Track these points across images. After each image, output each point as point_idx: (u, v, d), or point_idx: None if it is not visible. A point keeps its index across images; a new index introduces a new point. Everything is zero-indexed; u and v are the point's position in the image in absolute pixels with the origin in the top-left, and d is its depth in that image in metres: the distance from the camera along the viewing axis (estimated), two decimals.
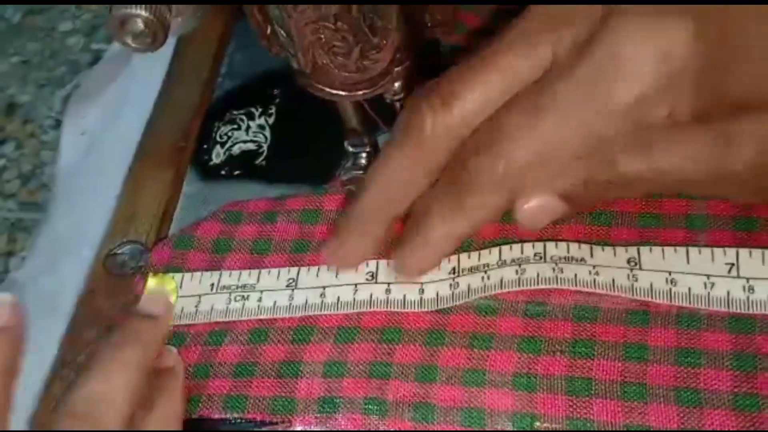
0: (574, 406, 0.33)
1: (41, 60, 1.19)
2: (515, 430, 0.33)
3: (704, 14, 0.27)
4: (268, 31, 0.34)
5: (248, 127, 0.49)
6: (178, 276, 0.42)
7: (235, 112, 0.50)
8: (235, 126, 0.49)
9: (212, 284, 0.41)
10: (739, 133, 0.27)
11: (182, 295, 0.41)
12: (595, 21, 0.28)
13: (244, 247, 0.42)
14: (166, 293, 0.40)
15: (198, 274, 0.42)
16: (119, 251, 0.45)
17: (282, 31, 0.33)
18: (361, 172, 0.40)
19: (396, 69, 0.34)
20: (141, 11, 0.27)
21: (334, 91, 0.35)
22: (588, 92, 0.28)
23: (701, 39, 0.27)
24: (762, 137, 0.27)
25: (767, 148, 0.27)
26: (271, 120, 0.49)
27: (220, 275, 0.41)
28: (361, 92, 0.35)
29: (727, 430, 0.31)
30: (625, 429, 0.32)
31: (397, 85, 0.36)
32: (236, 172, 0.47)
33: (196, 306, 0.40)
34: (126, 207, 0.47)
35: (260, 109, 0.49)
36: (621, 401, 0.33)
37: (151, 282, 0.41)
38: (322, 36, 0.32)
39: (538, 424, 0.33)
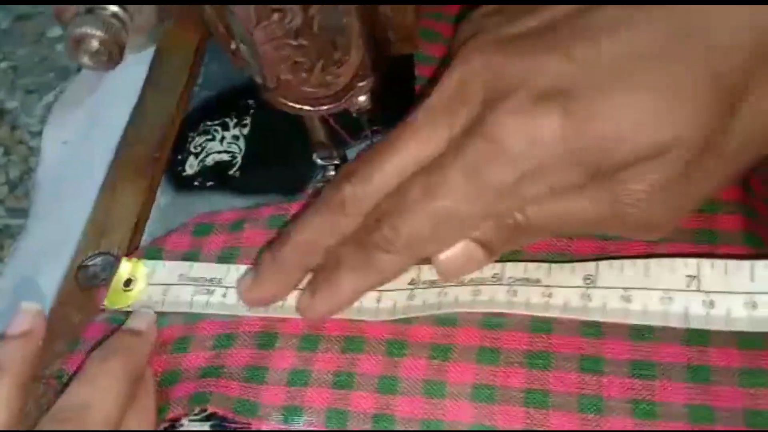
0: (532, 418, 0.33)
1: (30, 66, 1.19)
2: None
3: (574, 96, 0.29)
4: (233, 45, 0.34)
5: (222, 138, 0.49)
6: (150, 263, 0.42)
7: (209, 123, 0.50)
8: (210, 137, 0.49)
9: (181, 274, 0.41)
10: (616, 191, 0.31)
11: (152, 283, 0.41)
12: (482, 105, 0.31)
13: (212, 257, 0.42)
14: (151, 313, 0.41)
15: (170, 263, 0.42)
16: (90, 263, 0.45)
17: (244, 47, 0.33)
18: None
19: (359, 84, 0.35)
20: (96, 31, 0.27)
21: (298, 106, 0.35)
22: (472, 173, 0.31)
23: (569, 123, 0.29)
24: (639, 190, 0.30)
25: (644, 196, 0.30)
26: (245, 131, 0.49)
27: (191, 266, 0.42)
28: (325, 107, 0.35)
29: None
30: None
31: (362, 99, 0.36)
32: (209, 183, 0.47)
33: (163, 295, 0.41)
34: (98, 218, 0.47)
35: (235, 120, 0.50)
36: (578, 413, 0.33)
37: (124, 266, 0.42)
38: (284, 52, 0.32)
39: None
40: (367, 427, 0.34)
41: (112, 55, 0.28)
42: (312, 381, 0.36)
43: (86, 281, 0.44)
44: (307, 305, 0.37)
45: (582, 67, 0.29)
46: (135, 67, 0.55)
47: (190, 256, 0.43)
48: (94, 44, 0.27)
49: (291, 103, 0.35)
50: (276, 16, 0.31)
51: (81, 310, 0.43)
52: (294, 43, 0.32)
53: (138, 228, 0.46)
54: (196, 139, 0.49)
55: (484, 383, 0.34)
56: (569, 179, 0.31)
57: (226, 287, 0.40)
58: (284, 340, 0.38)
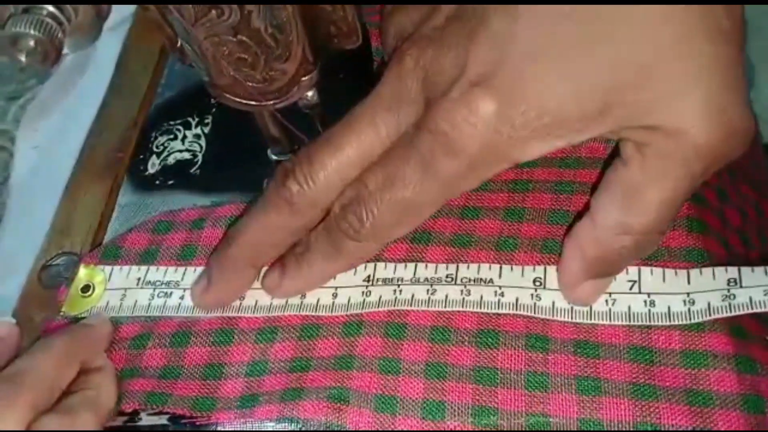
0: (480, 395, 0.34)
1: (11, 73, 1.20)
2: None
3: (501, 76, 0.30)
4: (178, 44, 0.35)
5: (184, 137, 0.49)
6: (107, 269, 0.43)
7: (171, 123, 0.50)
8: (172, 136, 0.50)
9: (138, 279, 0.42)
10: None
11: (109, 287, 0.42)
12: (424, 101, 0.32)
13: (171, 254, 0.43)
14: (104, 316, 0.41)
15: (126, 268, 0.42)
16: (54, 263, 0.45)
17: (187, 45, 0.34)
18: None
19: (303, 79, 0.35)
20: (31, 30, 0.27)
21: (244, 101, 0.36)
22: (426, 166, 0.32)
23: (502, 101, 0.30)
24: None
25: None
26: (207, 129, 0.49)
27: (147, 270, 0.42)
28: (270, 102, 0.36)
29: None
30: (526, 418, 0.33)
31: (309, 94, 0.37)
32: (170, 182, 0.47)
33: (121, 300, 0.41)
34: (62, 219, 0.47)
35: (197, 119, 0.50)
36: (524, 390, 0.34)
37: (82, 272, 0.42)
38: (226, 48, 0.33)
39: (447, 412, 0.34)
40: (324, 395, 0.35)
41: (48, 54, 0.28)
42: (269, 369, 0.37)
43: (49, 281, 0.45)
44: (275, 285, 0.38)
45: (504, 48, 0.30)
46: (101, 72, 0.56)
47: (149, 254, 0.43)
48: (30, 43, 0.28)
49: (237, 99, 0.36)
50: (214, 13, 0.31)
51: (44, 309, 0.43)
52: (234, 39, 0.32)
53: (101, 228, 0.46)
54: (159, 138, 0.50)
55: (436, 361, 0.35)
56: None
57: (184, 289, 0.41)
58: (242, 335, 0.39)
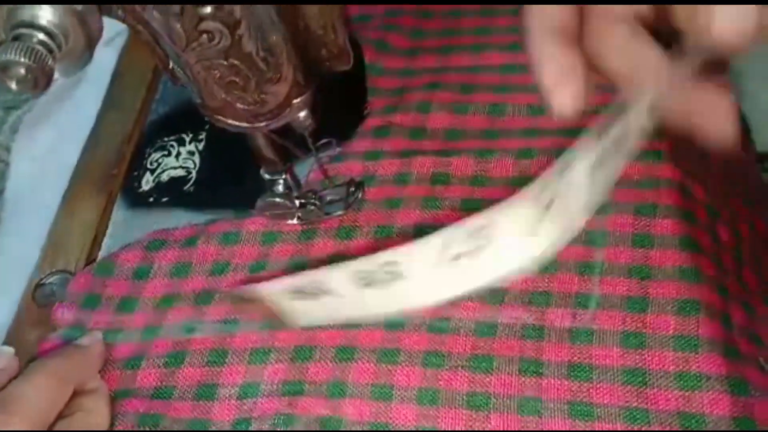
0: (473, 420, 0.34)
1: None
2: None
3: None
4: (170, 65, 0.35)
5: (178, 153, 0.50)
6: None
7: (166, 139, 0.51)
8: (166, 152, 0.50)
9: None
10: None
11: None
12: None
13: (164, 271, 0.43)
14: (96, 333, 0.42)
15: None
16: (48, 281, 0.45)
17: (178, 68, 0.34)
18: (278, 199, 0.41)
19: (295, 101, 0.35)
20: (21, 58, 0.27)
21: (236, 123, 0.36)
22: None
23: None
24: None
25: None
26: (201, 146, 0.50)
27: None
28: (263, 123, 0.36)
29: None
30: None
31: (302, 114, 0.37)
32: (164, 199, 0.47)
33: None
34: (56, 237, 0.47)
35: (191, 135, 0.50)
36: (517, 415, 0.34)
37: None
38: (217, 72, 0.33)
39: None
40: (315, 428, 0.35)
41: (38, 82, 0.28)
42: (262, 392, 0.37)
43: (43, 299, 0.45)
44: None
45: None
46: (94, 86, 0.56)
47: (142, 271, 0.43)
48: (21, 71, 0.28)
49: (229, 121, 0.36)
50: (205, 37, 0.31)
51: (38, 327, 0.43)
52: (225, 63, 0.32)
53: (95, 245, 0.47)
54: (153, 155, 0.50)
55: (429, 386, 0.35)
56: None
57: None
58: (235, 356, 0.39)
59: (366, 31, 0.51)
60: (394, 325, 0.38)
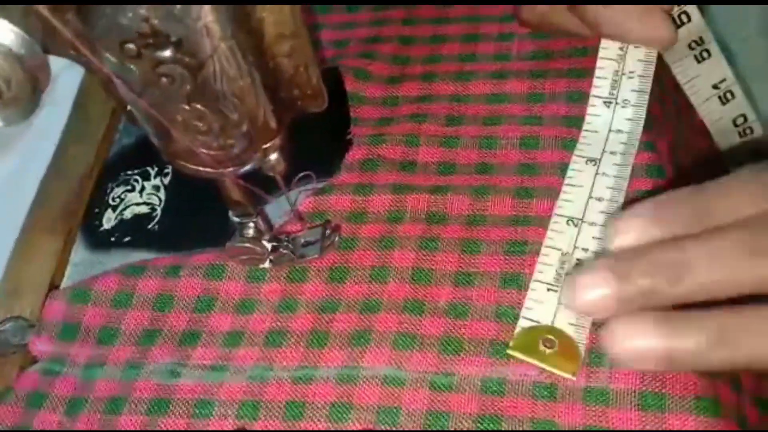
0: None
1: None
2: None
3: None
4: (128, 107, 0.32)
5: (143, 188, 0.47)
6: None
7: (129, 173, 0.48)
8: (129, 187, 0.47)
9: None
10: None
11: None
12: None
13: (146, 304, 0.40)
14: None
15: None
16: (1, 328, 0.42)
17: (136, 111, 0.31)
18: (247, 244, 0.38)
19: (265, 146, 0.32)
20: None
21: (201, 169, 0.33)
22: None
23: None
24: None
25: None
26: (166, 180, 0.47)
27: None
28: (229, 169, 0.33)
29: None
30: None
31: (272, 157, 0.34)
32: (126, 239, 0.44)
33: None
34: (11, 279, 0.44)
35: (156, 169, 0.47)
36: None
37: None
38: (178, 116, 0.30)
39: None
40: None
41: None
42: None
43: None
44: None
45: None
46: (63, 111, 0.53)
47: (122, 299, 0.41)
48: None
49: (192, 166, 0.33)
50: (164, 81, 0.28)
51: None
52: (186, 107, 0.29)
53: (51, 290, 0.43)
54: (115, 190, 0.47)
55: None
56: None
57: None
58: (221, 408, 0.36)
59: (345, 59, 0.49)
60: (392, 381, 0.35)
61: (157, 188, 0.46)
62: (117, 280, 0.41)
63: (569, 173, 0.40)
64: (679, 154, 0.46)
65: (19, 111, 0.28)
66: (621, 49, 0.43)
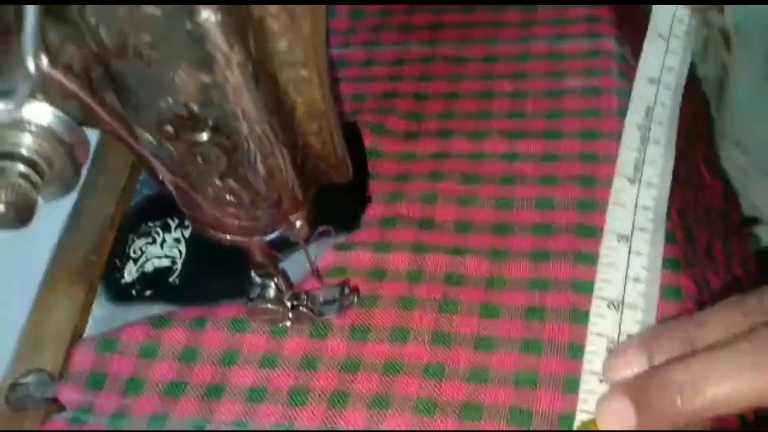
0: None
1: None
2: None
3: None
4: (160, 177, 0.33)
5: (164, 241, 0.47)
6: None
7: (150, 224, 0.48)
8: (150, 240, 0.48)
9: None
10: None
11: None
12: None
13: (172, 354, 0.41)
14: None
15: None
16: (23, 381, 0.43)
17: (167, 182, 0.32)
18: (269, 305, 0.39)
19: (292, 216, 0.33)
20: (2, 196, 0.25)
21: (229, 237, 0.34)
22: None
23: None
24: None
25: None
26: (187, 232, 0.47)
27: None
28: (257, 237, 0.34)
29: None
30: None
31: (298, 224, 0.35)
32: (147, 292, 0.45)
33: None
34: (32, 332, 0.45)
35: (177, 221, 0.48)
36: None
37: None
38: (210, 190, 0.31)
39: None
40: None
41: (20, 215, 0.26)
42: None
43: (18, 401, 0.42)
44: None
45: None
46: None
47: (149, 350, 0.41)
48: (1, 209, 0.26)
49: (222, 234, 0.34)
50: (199, 158, 0.29)
51: None
52: (219, 183, 0.30)
53: (73, 343, 0.44)
54: (137, 242, 0.48)
55: None
56: None
57: None
58: None
59: (363, 114, 0.50)
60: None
61: (177, 240, 0.47)
62: (144, 331, 0.42)
63: (603, 251, 0.40)
64: (688, 214, 0.46)
65: (60, 188, 0.29)
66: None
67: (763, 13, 0.51)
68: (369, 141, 0.48)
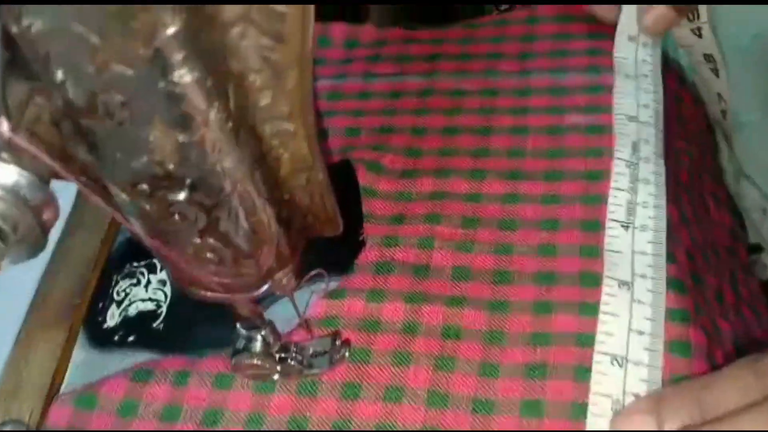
0: None
1: None
2: None
3: None
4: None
5: (148, 282, 0.45)
6: None
7: (135, 264, 0.46)
8: (135, 281, 0.46)
9: None
10: None
11: None
12: None
13: (153, 413, 0.39)
14: None
15: None
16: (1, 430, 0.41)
17: (144, 240, 0.30)
18: (255, 360, 0.37)
19: (277, 273, 0.31)
20: None
21: (211, 294, 0.32)
22: None
23: None
24: None
25: None
26: None
27: None
28: (241, 294, 0.32)
29: None
30: None
31: (284, 280, 0.33)
32: (130, 338, 0.43)
33: None
34: (10, 379, 0.43)
35: None
36: None
37: None
38: (190, 248, 0.29)
39: None
40: None
41: None
42: None
43: None
44: None
45: None
46: (64, 203, 0.52)
47: (129, 407, 0.39)
48: None
49: (203, 292, 0.32)
50: (177, 217, 0.27)
51: None
52: (198, 241, 0.28)
53: (52, 391, 0.42)
54: (120, 283, 0.46)
55: None
56: None
57: None
58: None
59: (358, 150, 0.48)
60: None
61: (163, 282, 0.45)
62: (124, 386, 0.40)
63: (604, 298, 0.38)
64: (697, 255, 0.45)
65: (27, 251, 0.27)
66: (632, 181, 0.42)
67: (749, 27, 0.50)
68: (363, 179, 0.46)
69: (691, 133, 0.55)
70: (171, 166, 0.25)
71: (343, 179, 0.46)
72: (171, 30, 0.21)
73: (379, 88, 0.52)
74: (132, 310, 0.44)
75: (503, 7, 0.57)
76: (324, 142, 0.50)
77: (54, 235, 0.48)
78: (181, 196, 0.26)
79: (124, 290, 0.45)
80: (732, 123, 0.54)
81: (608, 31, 0.51)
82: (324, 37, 0.56)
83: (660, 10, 0.47)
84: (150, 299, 0.45)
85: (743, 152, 0.56)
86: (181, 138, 0.24)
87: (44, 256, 0.48)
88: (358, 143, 0.49)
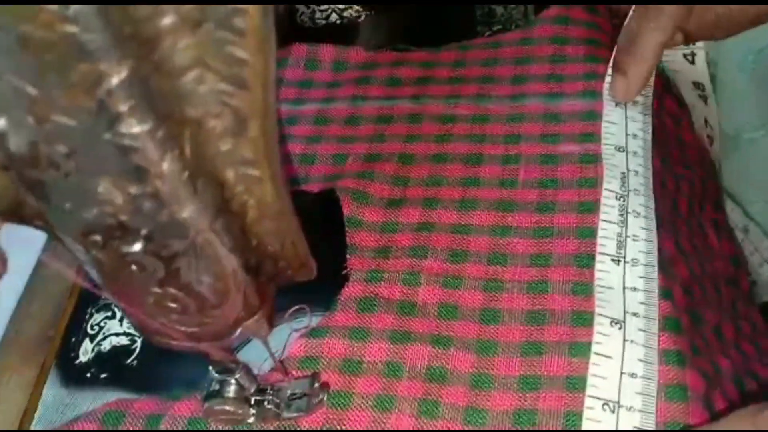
0: None
1: None
2: None
3: None
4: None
5: (123, 316, 0.44)
6: None
7: None
8: (110, 314, 0.44)
9: None
10: None
11: None
12: None
13: None
14: None
15: None
16: None
17: (106, 292, 0.28)
18: (227, 407, 0.35)
19: (247, 322, 0.30)
20: None
21: (176, 344, 0.30)
22: None
23: None
24: None
25: None
26: None
27: None
28: (209, 342, 0.30)
29: None
30: None
31: (255, 326, 0.31)
32: (103, 375, 0.42)
33: None
34: None
35: None
36: None
37: None
38: (150, 298, 0.27)
39: None
40: None
41: None
42: None
43: None
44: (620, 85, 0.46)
45: None
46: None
47: None
48: None
49: (168, 341, 0.30)
50: (134, 267, 0.26)
51: None
52: (159, 291, 0.27)
53: (22, 428, 0.40)
54: (95, 316, 0.44)
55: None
56: None
57: None
58: None
59: (343, 179, 0.46)
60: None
61: None
62: (95, 428, 0.39)
63: (596, 338, 0.36)
64: (695, 290, 0.43)
65: None
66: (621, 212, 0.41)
67: (753, 43, 0.49)
68: (348, 209, 0.45)
69: (692, 158, 0.53)
70: (124, 218, 0.24)
71: (327, 209, 0.45)
72: (115, 80, 0.20)
73: (368, 112, 0.50)
74: (106, 345, 0.43)
75: (495, 27, 0.55)
76: (309, 168, 0.48)
77: (27, 264, 0.47)
78: (137, 247, 0.25)
79: (98, 324, 0.44)
80: (722, 144, 0.53)
81: (606, 54, 0.49)
82: (312, 59, 0.54)
83: (620, 82, 0.46)
84: (125, 333, 0.43)
85: (732, 171, 0.55)
86: (133, 190, 0.23)
87: (19, 287, 0.46)
88: (344, 171, 0.47)
